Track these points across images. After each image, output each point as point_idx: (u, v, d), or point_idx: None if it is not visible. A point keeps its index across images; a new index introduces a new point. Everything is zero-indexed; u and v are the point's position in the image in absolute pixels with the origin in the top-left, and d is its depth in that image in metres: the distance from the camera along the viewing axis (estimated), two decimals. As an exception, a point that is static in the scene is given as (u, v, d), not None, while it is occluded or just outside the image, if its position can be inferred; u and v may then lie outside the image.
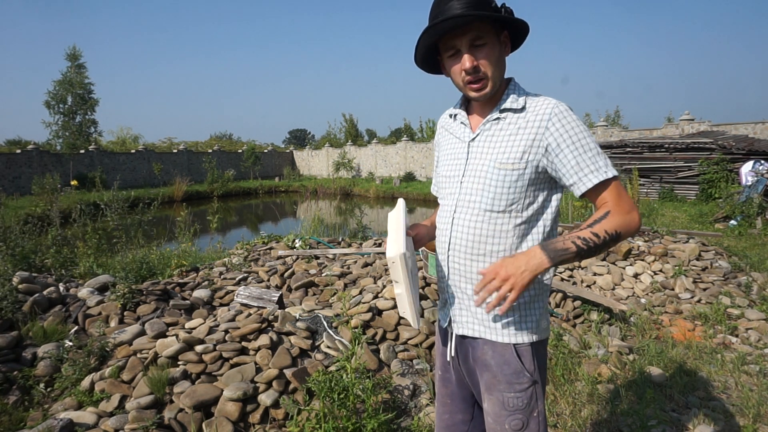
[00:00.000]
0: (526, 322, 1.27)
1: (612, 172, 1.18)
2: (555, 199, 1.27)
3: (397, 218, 1.37)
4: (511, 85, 1.29)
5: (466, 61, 1.20)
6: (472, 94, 1.25)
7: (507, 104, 1.25)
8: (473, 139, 1.30)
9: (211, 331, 2.83)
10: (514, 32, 1.27)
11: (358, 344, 2.44)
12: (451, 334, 1.39)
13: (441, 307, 1.44)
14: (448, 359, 1.41)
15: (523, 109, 1.24)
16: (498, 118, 1.27)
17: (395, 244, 1.26)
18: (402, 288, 1.27)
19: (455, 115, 1.38)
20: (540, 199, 1.25)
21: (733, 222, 8.35)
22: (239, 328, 2.81)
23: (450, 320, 1.38)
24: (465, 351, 1.36)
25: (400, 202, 1.42)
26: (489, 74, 1.21)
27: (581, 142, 1.18)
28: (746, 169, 9.95)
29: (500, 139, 1.25)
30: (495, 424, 1.28)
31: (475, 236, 1.26)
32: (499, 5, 1.22)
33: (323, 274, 4.32)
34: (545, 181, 1.24)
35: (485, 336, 1.29)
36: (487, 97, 1.25)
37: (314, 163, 33.88)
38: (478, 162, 1.27)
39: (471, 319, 1.32)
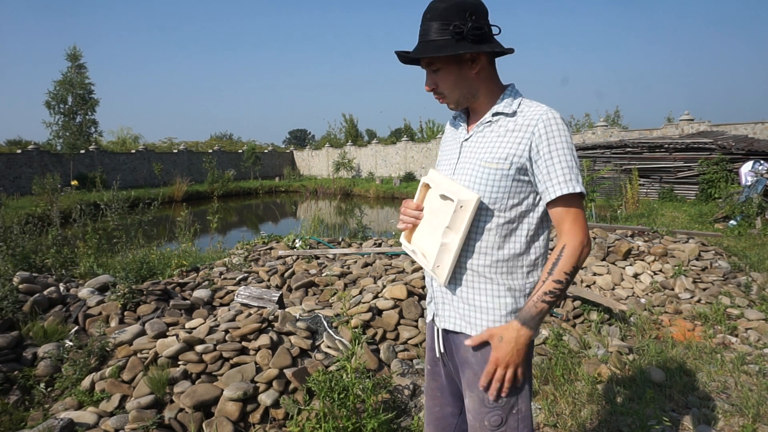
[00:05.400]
0: (505, 322, 1.28)
1: (578, 188, 1.20)
2: (543, 204, 1.28)
3: (443, 177, 1.35)
4: (508, 90, 1.33)
5: (426, 83, 1.33)
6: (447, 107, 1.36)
7: (500, 108, 1.30)
8: (466, 139, 1.36)
9: (212, 331, 2.83)
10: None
11: (358, 344, 2.45)
12: (437, 328, 1.42)
13: (428, 302, 1.47)
14: (437, 355, 1.45)
15: (514, 113, 1.28)
16: (490, 121, 1.31)
17: (466, 189, 1.24)
18: (456, 238, 1.22)
19: (456, 118, 1.46)
20: (526, 201, 1.27)
21: (732, 222, 8.35)
22: (239, 328, 2.81)
23: (434, 314, 1.42)
24: (451, 347, 1.40)
25: (433, 170, 1.43)
26: (446, 94, 1.31)
27: (559, 152, 1.21)
28: (746, 169, 9.95)
29: (490, 140, 1.29)
30: (475, 420, 1.32)
31: None
32: (462, 24, 1.22)
33: (323, 274, 4.33)
34: (531, 185, 1.26)
35: (466, 331, 1.32)
36: (457, 109, 1.38)
37: (314, 163, 33.88)
38: (467, 161, 1.32)
39: (453, 313, 1.35)
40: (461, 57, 1.27)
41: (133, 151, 27.16)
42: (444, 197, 1.28)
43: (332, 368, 2.66)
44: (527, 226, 1.28)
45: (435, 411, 1.50)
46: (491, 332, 1.25)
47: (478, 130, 1.33)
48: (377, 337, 3.10)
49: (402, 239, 1.45)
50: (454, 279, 1.33)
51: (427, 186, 1.40)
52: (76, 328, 3.21)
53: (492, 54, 1.31)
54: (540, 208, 1.28)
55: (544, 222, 1.31)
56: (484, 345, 1.29)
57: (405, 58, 1.33)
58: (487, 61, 1.30)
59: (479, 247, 1.28)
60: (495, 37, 1.30)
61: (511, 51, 1.31)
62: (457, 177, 1.33)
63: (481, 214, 1.27)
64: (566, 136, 1.22)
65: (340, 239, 6.20)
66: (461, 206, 1.21)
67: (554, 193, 1.21)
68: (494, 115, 1.30)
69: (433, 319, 1.44)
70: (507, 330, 1.23)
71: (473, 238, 1.28)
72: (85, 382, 2.61)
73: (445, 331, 1.40)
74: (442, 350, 1.42)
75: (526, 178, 1.25)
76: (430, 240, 1.31)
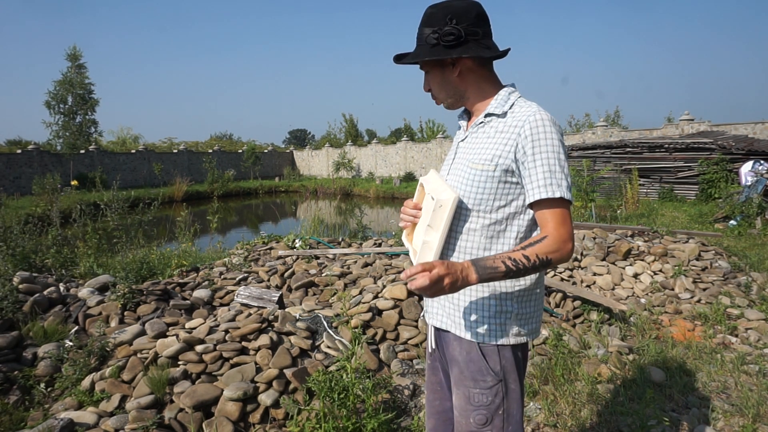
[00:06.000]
0: (491, 324, 1.28)
1: (561, 193, 1.17)
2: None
3: (436, 177, 1.39)
4: (503, 91, 1.32)
5: (423, 85, 1.39)
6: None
7: (491, 109, 1.31)
8: (462, 140, 1.39)
9: (212, 331, 2.83)
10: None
11: (358, 344, 2.45)
12: (430, 325, 1.46)
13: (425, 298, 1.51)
14: (430, 350, 1.49)
15: (505, 114, 1.28)
16: (482, 123, 1.33)
17: (447, 189, 1.26)
18: (435, 237, 1.24)
19: (460, 119, 1.48)
20: (514, 203, 1.26)
21: (732, 222, 8.35)
22: (239, 328, 2.81)
23: (425, 311, 1.47)
24: (442, 344, 1.42)
25: (433, 170, 1.48)
26: (436, 95, 1.37)
27: (543, 154, 1.19)
28: (746, 169, 9.95)
29: (480, 142, 1.31)
30: (461, 417, 1.33)
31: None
32: (439, 29, 1.26)
33: (323, 274, 4.33)
34: (519, 187, 1.25)
35: (451, 330, 1.35)
36: (450, 110, 1.40)
37: (314, 163, 33.89)
38: (459, 162, 1.35)
39: (441, 311, 1.38)
40: (443, 61, 1.29)
41: (133, 151, 27.16)
42: (431, 197, 1.31)
43: (332, 368, 2.66)
44: (517, 228, 1.27)
45: (435, 404, 1.52)
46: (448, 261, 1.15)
47: (472, 132, 1.35)
48: (377, 337, 3.11)
49: (404, 239, 1.50)
50: None
51: (423, 186, 1.44)
52: (76, 328, 3.21)
53: (478, 57, 1.29)
54: (531, 210, 1.27)
55: (536, 225, 1.29)
56: (471, 346, 1.30)
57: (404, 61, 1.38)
58: (473, 64, 1.30)
59: (465, 248, 1.29)
60: (486, 39, 1.28)
61: (495, 54, 1.28)
62: (450, 177, 1.36)
63: (467, 214, 1.28)
64: (553, 139, 1.19)
65: (340, 239, 6.20)
66: (440, 205, 1.23)
67: (533, 196, 1.19)
68: (486, 116, 1.31)
69: (424, 316, 1.48)
70: (459, 263, 1.13)
71: (460, 239, 1.30)
72: (85, 382, 2.61)
73: (436, 328, 1.42)
74: (434, 346, 1.45)
75: (514, 180, 1.24)
76: (420, 238, 1.35)
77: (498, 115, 1.29)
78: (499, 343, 1.28)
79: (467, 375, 1.30)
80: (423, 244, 1.27)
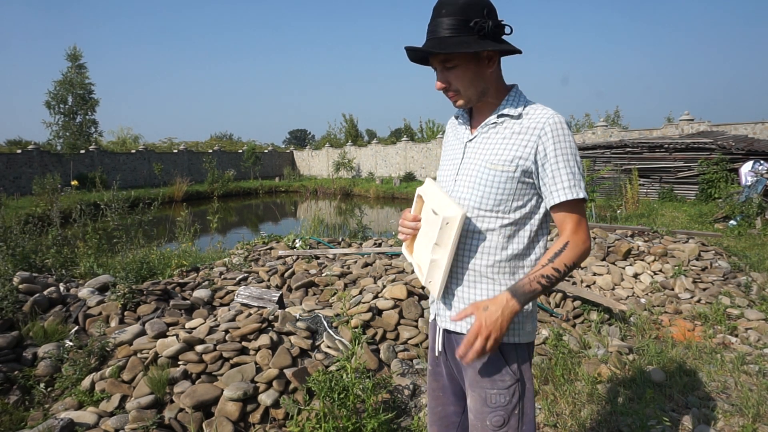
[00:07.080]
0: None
1: (581, 194, 1.22)
2: (545, 206, 1.30)
3: (435, 189, 1.35)
4: (512, 92, 1.33)
5: (437, 81, 1.31)
6: (453, 104, 1.34)
7: (505, 110, 1.30)
8: (471, 140, 1.36)
9: (212, 331, 2.83)
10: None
11: (358, 344, 2.45)
12: (439, 328, 1.43)
13: (431, 301, 1.48)
14: (437, 354, 1.45)
15: (520, 116, 1.28)
16: (495, 123, 1.32)
17: (452, 205, 1.24)
18: (444, 254, 1.23)
19: (458, 117, 1.46)
20: (530, 204, 1.28)
21: (732, 222, 8.35)
22: (239, 328, 2.81)
23: (436, 314, 1.43)
24: (452, 347, 1.39)
25: (429, 179, 1.44)
26: (461, 91, 1.29)
27: (564, 157, 1.22)
28: (746, 169, 9.96)
29: (495, 142, 1.29)
30: (476, 420, 1.32)
31: (462, 232, 1.30)
32: (483, 21, 1.22)
33: (323, 274, 4.33)
34: (535, 187, 1.28)
35: (465, 332, 1.32)
36: (467, 107, 1.34)
37: (314, 164, 33.89)
38: (472, 162, 1.33)
39: (454, 314, 1.35)
40: (479, 55, 1.26)
41: (133, 151, 27.16)
42: (434, 212, 1.28)
43: (332, 368, 2.66)
44: (530, 228, 1.29)
45: (438, 411, 1.50)
46: (476, 304, 1.22)
47: (482, 131, 1.33)
48: (377, 337, 3.11)
49: (404, 250, 1.47)
50: (456, 279, 1.33)
51: (421, 197, 1.40)
52: (76, 328, 3.21)
53: (508, 52, 1.31)
54: (542, 210, 1.30)
55: (545, 223, 1.32)
56: None
57: (415, 55, 1.30)
58: (498, 60, 1.30)
59: (483, 248, 1.29)
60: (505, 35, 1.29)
61: (519, 51, 1.31)
62: (460, 178, 1.34)
63: (486, 215, 1.28)
64: (571, 142, 1.23)
65: (340, 239, 6.20)
66: (447, 223, 1.21)
67: (558, 198, 1.22)
68: (500, 116, 1.30)
69: (435, 319, 1.45)
70: (494, 301, 1.20)
71: (477, 239, 1.29)
72: (85, 382, 2.61)
73: (447, 331, 1.40)
74: (440, 348, 1.43)
75: (530, 181, 1.26)
76: (424, 254, 1.32)
77: (513, 117, 1.29)
78: (516, 341, 1.29)
79: (484, 376, 1.29)
80: (431, 263, 1.26)
